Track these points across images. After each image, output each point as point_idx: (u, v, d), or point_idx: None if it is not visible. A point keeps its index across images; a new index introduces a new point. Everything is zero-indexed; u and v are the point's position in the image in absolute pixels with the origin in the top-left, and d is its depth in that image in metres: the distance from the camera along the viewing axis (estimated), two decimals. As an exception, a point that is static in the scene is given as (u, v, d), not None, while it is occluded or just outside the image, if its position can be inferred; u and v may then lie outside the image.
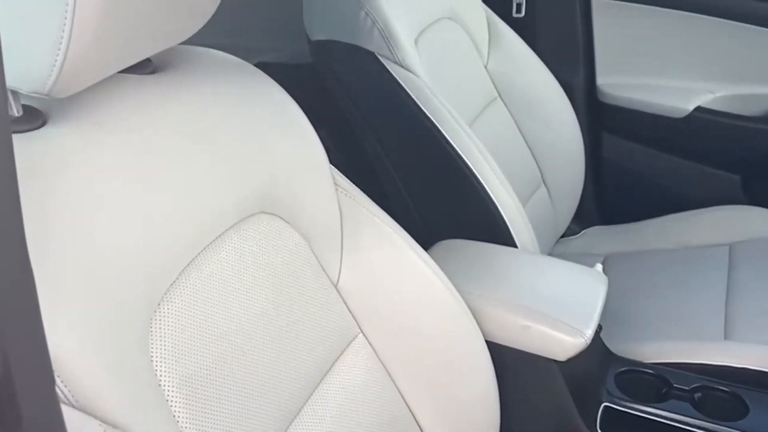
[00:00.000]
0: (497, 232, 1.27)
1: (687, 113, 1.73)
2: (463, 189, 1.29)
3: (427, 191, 1.36)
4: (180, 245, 0.72)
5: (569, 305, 1.07)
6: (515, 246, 1.26)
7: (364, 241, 0.96)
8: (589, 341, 1.03)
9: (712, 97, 1.74)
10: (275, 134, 0.87)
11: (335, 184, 0.95)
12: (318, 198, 0.91)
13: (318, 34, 1.35)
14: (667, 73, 1.77)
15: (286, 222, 0.88)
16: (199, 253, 0.75)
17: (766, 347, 1.25)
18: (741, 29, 1.68)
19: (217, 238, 0.78)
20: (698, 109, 1.73)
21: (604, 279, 1.16)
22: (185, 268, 0.73)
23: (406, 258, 0.97)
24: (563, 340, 1.02)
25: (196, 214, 0.75)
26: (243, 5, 1.71)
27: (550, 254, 1.67)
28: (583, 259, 1.63)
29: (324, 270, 0.92)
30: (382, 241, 0.96)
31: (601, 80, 1.83)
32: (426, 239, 1.29)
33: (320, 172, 0.93)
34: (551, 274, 1.14)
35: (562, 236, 1.74)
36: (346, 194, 0.96)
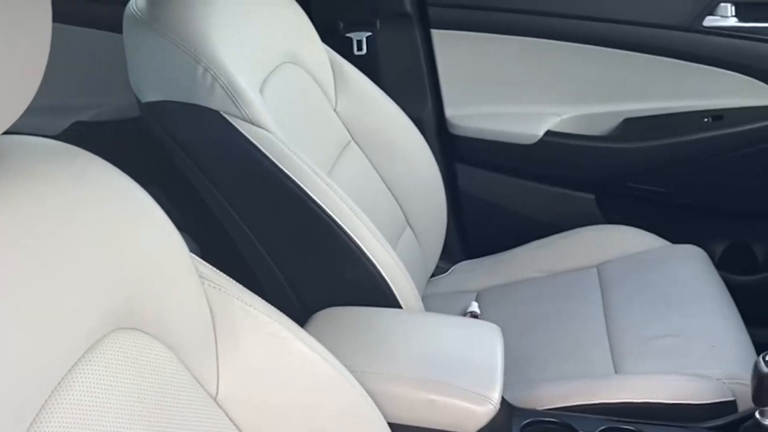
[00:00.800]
0: (378, 293, 1.17)
1: (538, 138, 1.73)
2: (334, 249, 1.18)
3: (296, 256, 1.24)
4: (28, 386, 0.57)
5: (471, 368, 0.99)
6: (399, 305, 1.17)
7: (242, 338, 0.82)
8: (498, 406, 0.95)
9: (560, 120, 1.74)
10: (124, 234, 0.72)
11: (200, 276, 0.81)
12: (181, 299, 0.77)
13: (149, 95, 1.20)
14: (515, 99, 1.76)
15: (147, 334, 0.73)
16: (52, 392, 0.60)
17: (656, 376, 1.24)
18: (581, 50, 1.69)
19: (70, 369, 0.63)
20: (548, 133, 1.73)
21: (497, 331, 1.09)
22: (39, 411, 0.58)
23: (291, 349, 0.85)
24: (472, 410, 0.94)
25: (38, 345, 0.59)
26: (51, 58, 1.52)
27: (423, 296, 1.60)
28: (457, 297, 1.58)
29: (199, 382, 0.78)
30: (262, 335, 0.84)
31: (449, 112, 1.79)
32: (300, 310, 1.18)
33: (180, 267, 0.78)
34: (444, 335, 1.06)
35: (432, 276, 1.68)
36: (213, 286, 0.82)
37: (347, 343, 1.01)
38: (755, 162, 1.68)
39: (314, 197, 1.15)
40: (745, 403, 1.17)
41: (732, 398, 1.18)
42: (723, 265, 1.63)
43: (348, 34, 1.76)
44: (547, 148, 1.73)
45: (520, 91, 1.76)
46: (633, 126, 1.72)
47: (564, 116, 1.75)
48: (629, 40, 1.66)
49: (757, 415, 1.04)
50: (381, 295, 1.16)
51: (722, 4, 1.60)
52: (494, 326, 1.10)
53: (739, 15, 1.60)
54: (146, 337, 0.73)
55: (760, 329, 1.42)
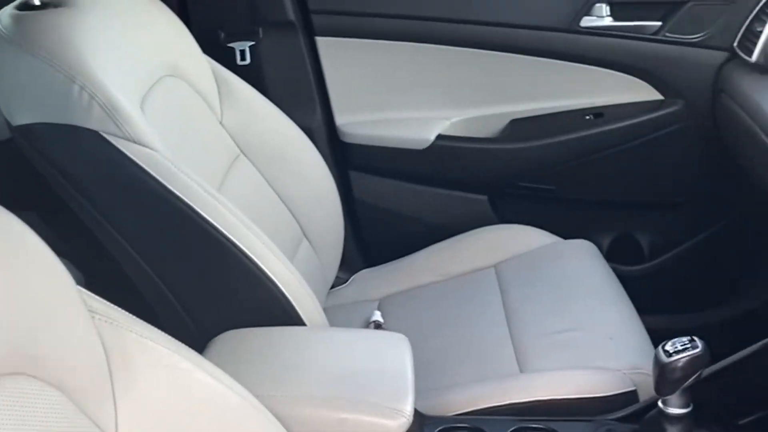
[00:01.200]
0: (279, 310, 1.13)
1: (429, 143, 1.73)
2: (230, 268, 1.13)
3: (189, 279, 1.17)
4: None
5: (381, 382, 0.97)
6: (302, 322, 1.13)
7: (139, 373, 0.77)
8: (411, 418, 0.93)
9: (450, 123, 1.76)
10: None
11: (89, 311, 0.75)
12: (70, 338, 0.71)
13: (21, 118, 1.11)
14: (405, 105, 1.76)
15: (36, 378, 0.67)
16: None
17: (560, 372, 1.25)
18: (467, 54, 1.71)
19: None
20: (439, 137, 1.74)
21: (404, 340, 1.07)
22: None
23: (192, 380, 0.80)
24: (385, 425, 0.92)
25: None
26: None
27: (324, 309, 1.56)
28: (359, 307, 1.56)
29: (97, 426, 0.72)
30: (161, 368, 0.78)
31: (340, 120, 1.76)
32: (197, 336, 1.12)
33: (66, 302, 0.72)
34: (350, 350, 1.03)
35: (332, 287, 1.65)
36: (104, 320, 0.76)
37: (251, 368, 0.96)
38: (635, 156, 1.74)
39: (205, 215, 1.10)
40: (646, 392, 1.20)
41: (633, 388, 1.21)
42: (612, 256, 1.68)
43: (229, 44, 1.72)
44: (439, 151, 1.74)
45: (409, 97, 1.76)
46: (520, 127, 1.76)
47: (454, 119, 1.76)
48: (511, 42, 1.69)
49: (659, 403, 1.06)
50: (282, 313, 1.13)
51: (597, 5, 1.65)
52: (401, 336, 1.08)
53: (614, 14, 1.66)
54: (34, 382, 0.67)
55: (652, 317, 1.48)
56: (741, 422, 1.22)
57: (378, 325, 1.45)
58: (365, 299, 1.58)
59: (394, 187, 1.80)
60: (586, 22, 1.66)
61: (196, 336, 1.11)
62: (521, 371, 1.28)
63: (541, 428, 1.13)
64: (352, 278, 1.68)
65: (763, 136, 1.42)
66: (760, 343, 1.22)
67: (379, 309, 1.52)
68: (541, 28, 1.69)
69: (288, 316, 1.13)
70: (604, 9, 1.65)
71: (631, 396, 1.21)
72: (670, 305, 1.75)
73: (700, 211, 1.80)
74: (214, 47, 1.60)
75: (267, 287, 1.11)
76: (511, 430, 1.12)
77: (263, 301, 1.12)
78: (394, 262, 1.67)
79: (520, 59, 1.70)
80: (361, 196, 1.80)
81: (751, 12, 1.57)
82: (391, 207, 1.81)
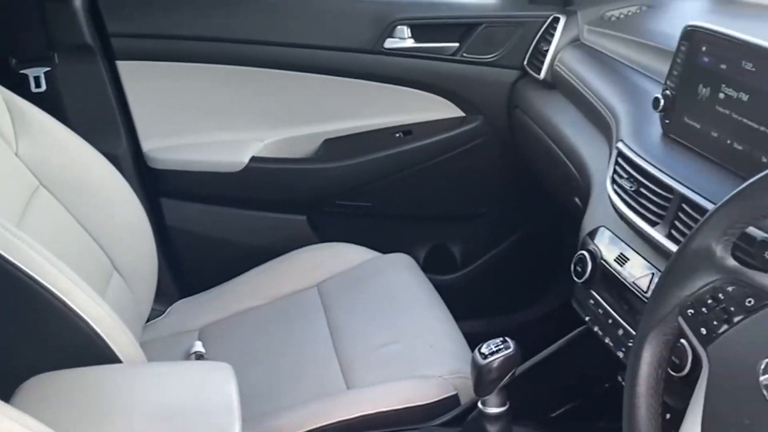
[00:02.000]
0: (92, 349, 1.06)
1: (243, 165, 1.71)
2: (35, 309, 1.05)
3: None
4: None
5: (206, 416, 0.94)
6: (117, 359, 1.07)
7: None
8: (240, 452, 0.91)
9: (263, 145, 1.75)
10: None
11: None
12: None
13: None
14: (216, 127, 1.74)
15: None
16: None
17: (385, 385, 1.27)
18: (278, 75, 1.71)
19: None
20: (253, 158, 1.72)
21: (227, 369, 1.05)
22: None
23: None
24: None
25: None
26: None
27: (141, 343, 1.49)
28: (178, 339, 1.51)
29: None
30: (-41, 423, 0.71)
31: (147, 146, 1.70)
32: (4, 383, 1.03)
33: None
34: (171, 385, 0.99)
35: (148, 320, 1.58)
36: None
37: (65, 412, 0.90)
38: (443, 170, 1.82)
39: (4, 254, 1.02)
40: (466, 394, 1.26)
41: (455, 392, 1.26)
42: (428, 267, 1.74)
43: (22, 71, 1.61)
44: (254, 173, 1.73)
45: (219, 119, 1.74)
46: (333, 146, 1.78)
47: (267, 141, 1.76)
48: (319, 63, 1.72)
49: (479, 404, 1.11)
50: (96, 352, 1.06)
51: (399, 27, 1.71)
52: (224, 365, 1.06)
53: (415, 36, 1.73)
54: None
55: (468, 322, 1.55)
56: (553, 415, 1.31)
57: (199, 356, 1.41)
58: (184, 330, 1.53)
59: (209, 212, 1.76)
60: (390, 43, 1.72)
61: (7, 382, 1.02)
62: (348, 387, 1.30)
63: (372, 441, 1.15)
64: (169, 309, 1.61)
65: (553, 146, 1.54)
66: (561, 341, 1.32)
67: (199, 339, 1.48)
68: (347, 49, 1.73)
69: (102, 354, 1.06)
70: (406, 31, 1.72)
71: (453, 400, 1.25)
72: (485, 309, 1.85)
73: (504, 219, 1.92)
74: (6, 74, 1.49)
75: (76, 325, 1.04)
76: (342, 446, 1.13)
77: (74, 340, 1.05)
78: (213, 289, 1.63)
79: (330, 80, 1.73)
80: (174, 223, 1.74)
81: (537, 33, 1.70)
82: (207, 233, 1.77)
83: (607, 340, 1.13)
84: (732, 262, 0.76)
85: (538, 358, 1.29)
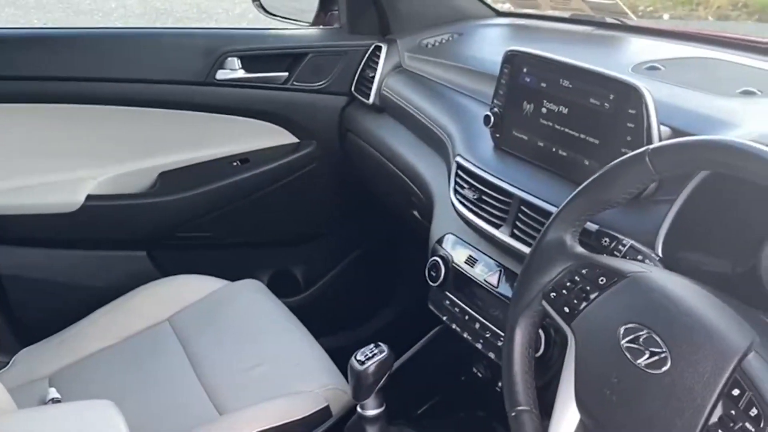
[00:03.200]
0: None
1: (79, 205, 1.66)
2: None
3: None
4: None
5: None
6: (-13, 412, 1.02)
7: None
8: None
9: (98, 182, 1.71)
10: None
11: None
12: None
13: None
14: (46, 168, 1.67)
15: None
16: None
17: (259, 406, 1.30)
18: (109, 111, 1.69)
19: None
20: (89, 197, 1.68)
21: (112, 406, 1.03)
22: None
23: None
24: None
25: None
26: None
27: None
28: (29, 388, 1.44)
29: None
30: None
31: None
32: None
33: None
34: (59, 427, 0.97)
35: (-11, 373, 1.49)
36: None
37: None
38: (281, 196, 1.88)
39: None
40: (336, 405, 1.32)
41: (326, 404, 1.31)
42: (276, 291, 1.78)
43: None
44: (90, 212, 1.68)
45: (50, 160, 1.68)
46: (170, 178, 1.78)
47: (101, 178, 1.72)
48: (153, 97, 1.72)
49: (358, 408, 1.18)
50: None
51: (230, 58, 1.75)
52: (106, 402, 1.04)
53: (245, 67, 1.77)
54: None
55: (326, 338, 1.60)
56: (419, 412, 1.41)
57: (57, 401, 1.36)
58: (34, 378, 1.45)
59: (46, 256, 1.69)
60: (221, 75, 1.75)
61: None
62: (221, 414, 1.31)
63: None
64: (12, 360, 1.53)
65: (390, 165, 1.65)
66: (420, 342, 1.42)
67: (52, 386, 1.42)
68: (178, 82, 1.74)
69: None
70: (236, 62, 1.76)
71: (326, 412, 1.31)
72: (337, 324, 1.91)
73: (343, 239, 2.00)
74: None
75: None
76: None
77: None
78: (58, 334, 1.57)
79: (163, 113, 1.73)
80: (8, 270, 1.65)
81: (361, 61, 1.81)
82: (45, 277, 1.69)
83: (465, 335, 1.24)
84: (580, 249, 0.89)
85: (401, 361, 1.37)
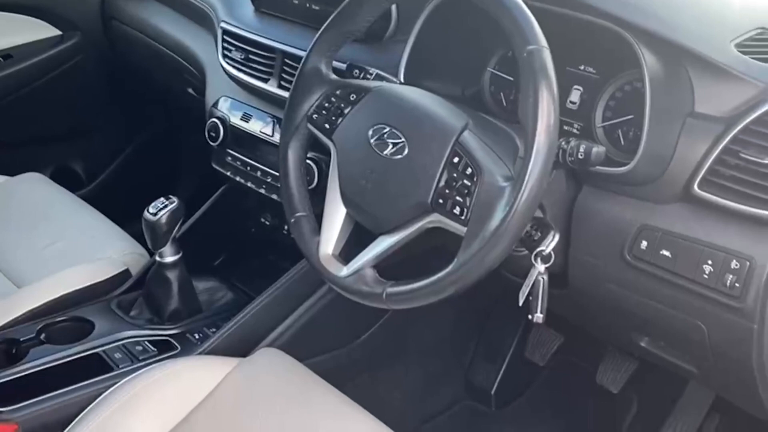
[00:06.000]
0: None
1: None
2: None
3: None
4: None
5: None
6: None
7: None
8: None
9: None
10: None
11: None
12: None
13: None
14: None
15: None
16: None
17: (62, 272, 1.35)
18: None
19: None
20: None
21: None
22: None
23: None
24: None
25: None
26: None
27: None
28: None
29: None
30: None
31: None
32: None
33: None
34: None
35: None
36: None
37: None
38: (48, 92, 1.86)
39: None
40: (135, 268, 1.41)
41: (125, 267, 1.40)
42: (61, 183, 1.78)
43: None
44: None
45: None
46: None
47: None
48: None
49: (157, 257, 1.28)
50: None
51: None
52: None
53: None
54: None
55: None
56: (216, 263, 1.54)
57: None
58: None
59: None
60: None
61: None
62: (19, 287, 1.35)
63: (66, 319, 1.25)
64: None
65: (158, 46, 1.71)
66: (210, 199, 1.53)
67: None
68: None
69: None
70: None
71: (126, 274, 1.40)
72: (127, 214, 1.95)
73: (120, 131, 2.03)
74: None
75: None
76: (38, 328, 1.21)
77: None
78: None
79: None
80: None
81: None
82: None
83: (249, 184, 1.38)
84: (334, 76, 1.05)
85: (194, 218, 1.48)
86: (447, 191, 0.88)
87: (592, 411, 1.52)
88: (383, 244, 0.95)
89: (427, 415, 1.55)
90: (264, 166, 1.35)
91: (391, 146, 0.94)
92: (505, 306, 1.59)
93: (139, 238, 1.38)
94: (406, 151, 0.93)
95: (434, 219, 0.90)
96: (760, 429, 1.10)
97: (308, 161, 1.20)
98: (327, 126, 1.02)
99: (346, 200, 0.99)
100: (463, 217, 0.87)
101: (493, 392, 1.59)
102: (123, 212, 1.93)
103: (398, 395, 1.54)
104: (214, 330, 1.26)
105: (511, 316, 1.61)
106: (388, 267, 0.97)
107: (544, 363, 1.59)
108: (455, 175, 0.88)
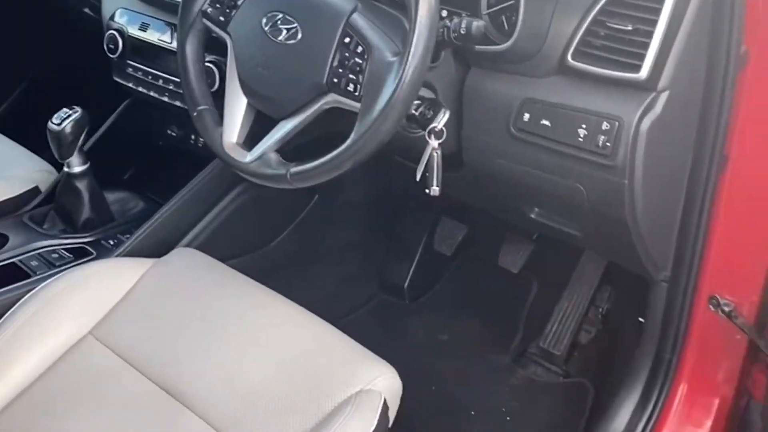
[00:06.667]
0: None
1: None
2: None
3: None
4: None
5: None
6: None
7: None
8: None
9: None
10: None
11: None
12: None
13: None
14: None
15: None
16: None
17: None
18: None
19: None
20: None
21: None
22: None
23: None
24: None
25: None
26: None
27: None
28: None
29: None
30: None
31: None
32: None
33: None
34: None
35: None
36: None
37: None
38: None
39: None
40: (44, 185, 1.42)
41: (35, 185, 1.41)
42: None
43: None
44: None
45: None
46: None
47: None
48: None
49: (65, 168, 1.29)
50: None
51: None
52: None
53: None
54: None
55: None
56: (125, 177, 1.56)
57: None
58: None
59: None
60: None
61: None
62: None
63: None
64: None
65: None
66: (113, 115, 1.54)
67: None
68: None
69: None
70: None
71: (35, 191, 1.41)
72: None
73: (22, 57, 1.97)
74: None
75: None
76: None
77: None
78: None
79: None
80: None
81: None
82: None
83: (152, 93, 1.40)
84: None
85: (101, 132, 1.49)
86: (340, 70, 0.93)
87: (498, 293, 1.63)
88: (284, 128, 1.00)
89: (345, 310, 1.63)
90: (165, 73, 1.37)
91: (284, 32, 0.98)
92: (413, 207, 1.67)
93: (49, 161, 1.38)
94: (299, 36, 0.97)
95: (330, 99, 0.96)
96: (641, 295, 1.21)
97: (208, 64, 1.23)
98: (222, 19, 1.05)
99: (246, 89, 1.03)
100: (357, 94, 0.92)
101: (405, 286, 1.68)
102: (30, 137, 1.92)
103: (315, 294, 1.60)
104: (128, 236, 1.30)
105: (417, 216, 1.69)
106: (291, 152, 1.02)
107: (452, 253, 1.68)
108: (347, 54, 0.93)
